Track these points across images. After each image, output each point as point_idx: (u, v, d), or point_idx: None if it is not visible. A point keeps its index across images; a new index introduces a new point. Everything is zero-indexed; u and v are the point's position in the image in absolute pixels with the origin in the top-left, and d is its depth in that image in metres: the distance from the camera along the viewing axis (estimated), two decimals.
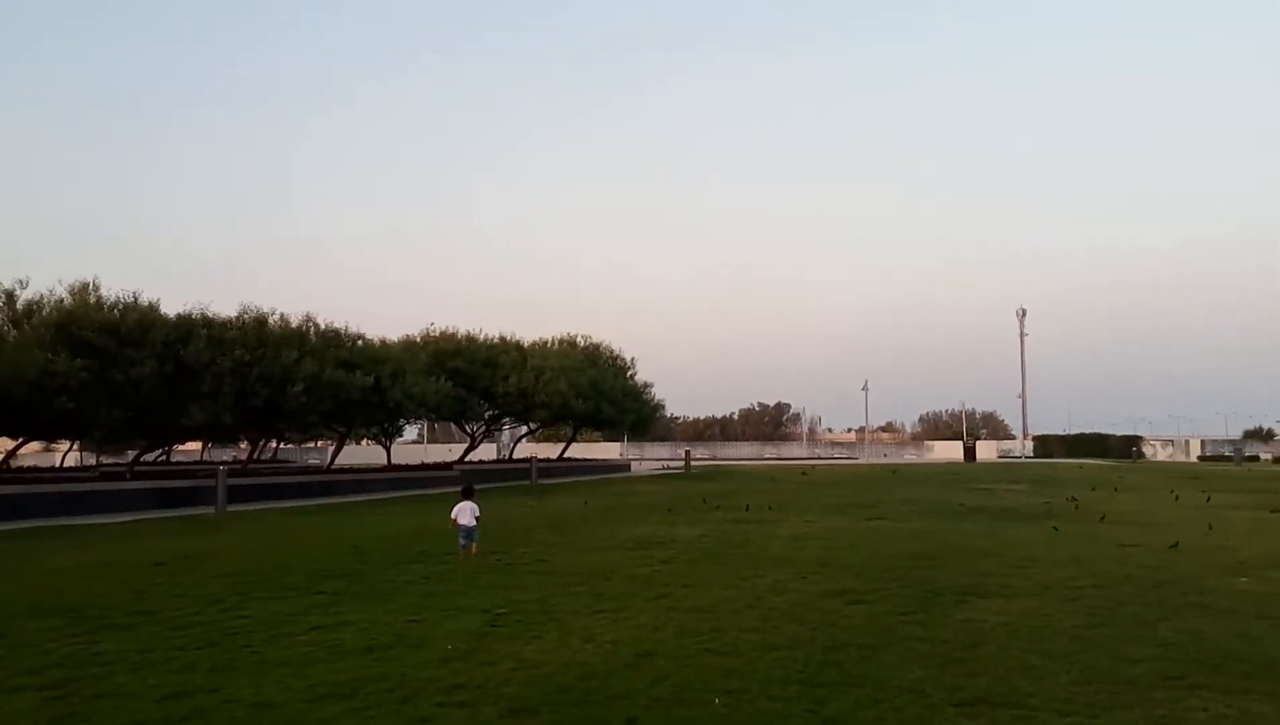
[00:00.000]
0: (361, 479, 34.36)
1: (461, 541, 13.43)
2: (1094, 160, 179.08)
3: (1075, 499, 24.92)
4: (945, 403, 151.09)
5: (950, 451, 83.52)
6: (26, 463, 38.85)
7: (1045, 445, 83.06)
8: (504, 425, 50.60)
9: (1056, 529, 16.76)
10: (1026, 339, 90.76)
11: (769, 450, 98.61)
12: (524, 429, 50.99)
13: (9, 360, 21.32)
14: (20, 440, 29.73)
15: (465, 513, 13.49)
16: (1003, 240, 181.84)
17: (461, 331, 42.59)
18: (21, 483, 25.52)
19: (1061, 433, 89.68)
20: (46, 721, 5.69)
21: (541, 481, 40.22)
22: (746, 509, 21.79)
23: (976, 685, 6.33)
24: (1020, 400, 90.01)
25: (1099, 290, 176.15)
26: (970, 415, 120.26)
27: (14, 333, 24.08)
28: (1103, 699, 6.01)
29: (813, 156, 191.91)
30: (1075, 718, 5.61)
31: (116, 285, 34.93)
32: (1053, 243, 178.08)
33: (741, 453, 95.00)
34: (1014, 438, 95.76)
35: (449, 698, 6.13)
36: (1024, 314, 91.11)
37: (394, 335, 41.24)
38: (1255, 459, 74.77)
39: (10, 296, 25.07)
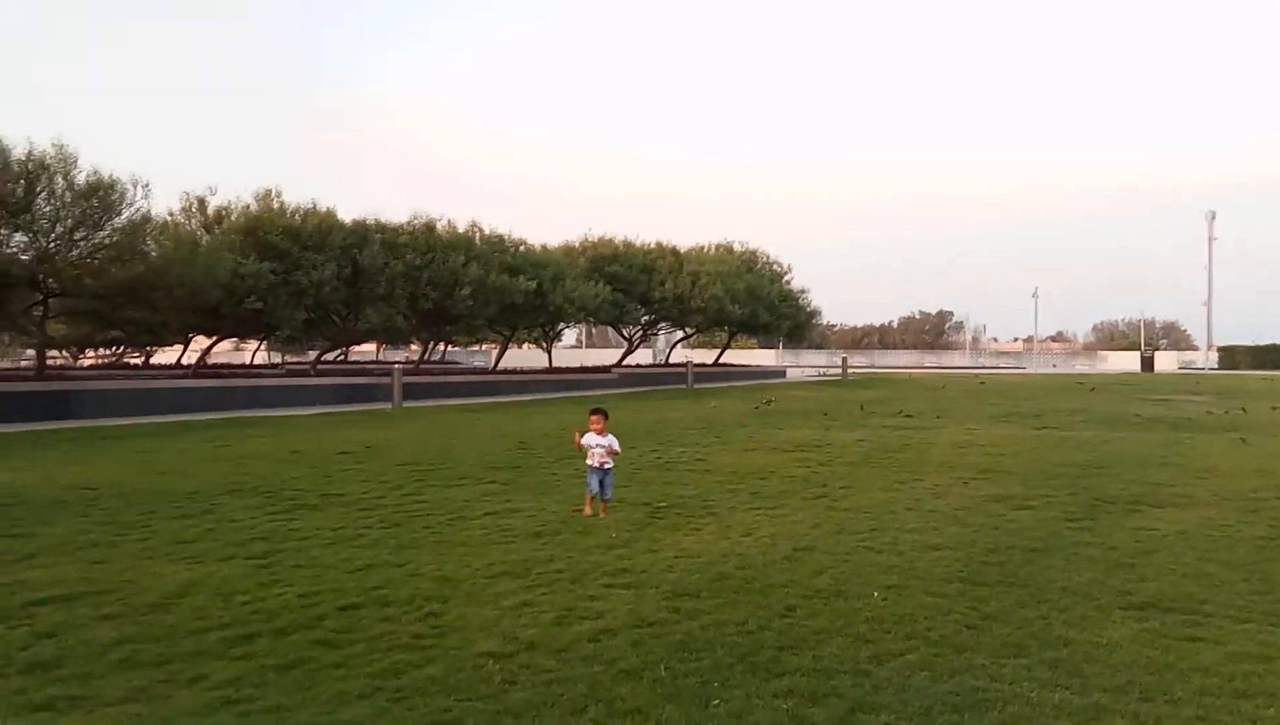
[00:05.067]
0: (524, 380, 35.50)
1: (591, 488, 8.98)
2: None
3: (1244, 409, 23.52)
4: (1122, 311, 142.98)
5: (1125, 362, 79.43)
6: (219, 360, 41.79)
7: (1231, 356, 77.86)
8: (660, 330, 51.09)
9: (1244, 441, 15.86)
10: (1215, 244, 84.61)
11: (929, 359, 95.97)
12: (680, 334, 51.34)
13: (203, 263, 22.84)
14: (215, 339, 32.02)
15: (598, 447, 8.95)
16: (1191, 137, 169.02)
17: (619, 238, 42.99)
18: (218, 377, 27.62)
19: (1250, 343, 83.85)
20: (255, 586, 6.28)
21: (697, 386, 40.55)
22: (908, 417, 21.47)
23: (1147, 590, 6.18)
24: (1205, 309, 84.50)
25: None
26: (1149, 324, 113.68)
27: (206, 237, 25.74)
28: None
29: (977, 51, 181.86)
30: (1253, 624, 5.44)
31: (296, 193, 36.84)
32: (1247, 141, 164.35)
33: (900, 361, 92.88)
34: (1196, 348, 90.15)
35: (615, 580, 6.44)
36: (1213, 217, 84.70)
37: (554, 242, 42.00)
38: None
39: (202, 203, 26.80)
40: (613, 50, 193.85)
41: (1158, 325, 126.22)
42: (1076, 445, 15.28)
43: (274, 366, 41.00)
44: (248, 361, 45.68)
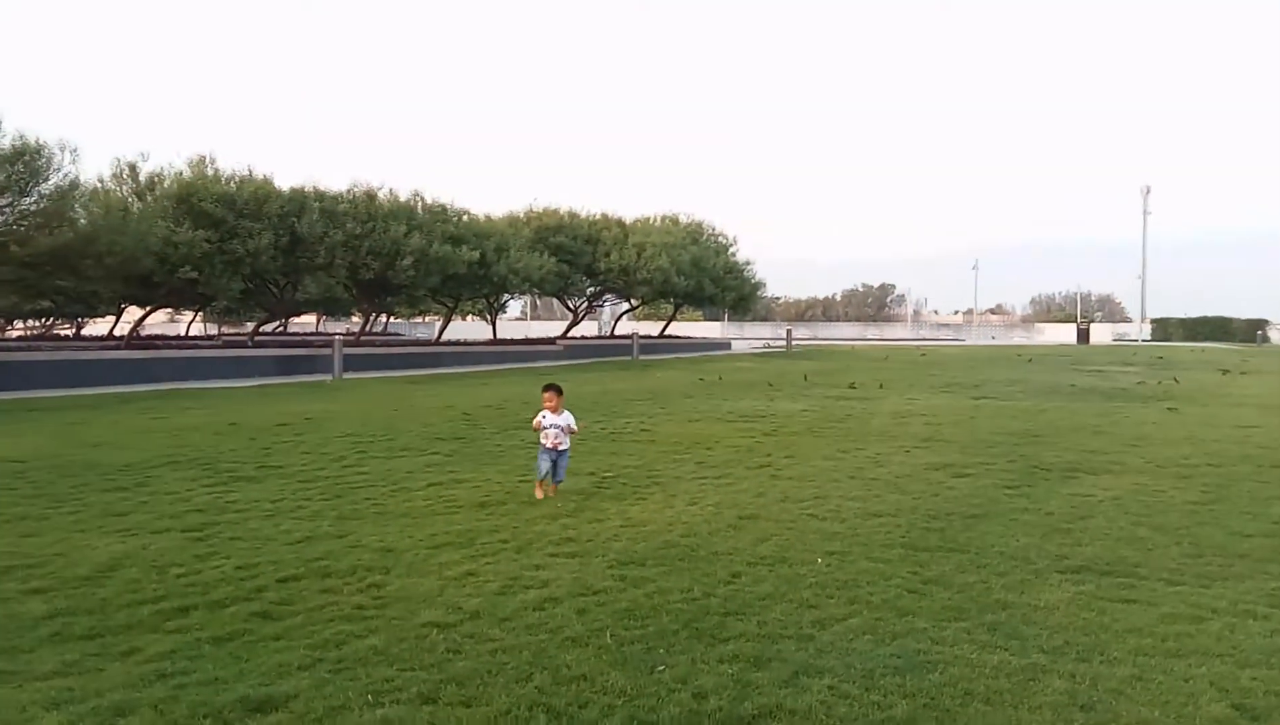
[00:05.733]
0: (468, 352, 35.27)
1: (542, 468, 8.23)
2: (1225, 32, 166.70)
3: (1176, 379, 24.18)
4: (1059, 285, 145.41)
5: (1062, 334, 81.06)
6: (153, 331, 40.83)
7: (1164, 328, 79.93)
8: (605, 302, 51.01)
9: (1174, 410, 16.28)
10: (1149, 217, 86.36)
11: (872, 331, 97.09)
12: (625, 306, 51.30)
13: (135, 231, 22.23)
14: (148, 309, 31.24)
15: (553, 428, 8.22)
16: (1125, 112, 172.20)
17: (564, 208, 42.75)
18: (152, 348, 26.96)
19: (1182, 316, 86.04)
20: (190, 558, 6.14)
21: (643, 357, 40.58)
22: (851, 388, 21.68)
23: (1082, 554, 6.32)
24: (1140, 282, 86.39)
25: (1228, 167, 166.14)
26: (1085, 297, 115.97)
27: (138, 205, 25.05)
28: (1213, 570, 5.95)
29: (915, 23, 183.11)
30: (1184, 587, 5.57)
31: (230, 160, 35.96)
32: (1180, 115, 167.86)
33: (843, 333, 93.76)
34: (1131, 321, 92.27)
35: (560, 549, 6.41)
36: (1148, 191, 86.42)
37: (497, 212, 41.63)
38: None
39: (133, 169, 26.04)
40: (557, 19, 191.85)
41: (1093, 298, 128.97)
42: (1014, 415, 15.56)
43: (210, 338, 40.17)
44: (183, 333, 44.70)
